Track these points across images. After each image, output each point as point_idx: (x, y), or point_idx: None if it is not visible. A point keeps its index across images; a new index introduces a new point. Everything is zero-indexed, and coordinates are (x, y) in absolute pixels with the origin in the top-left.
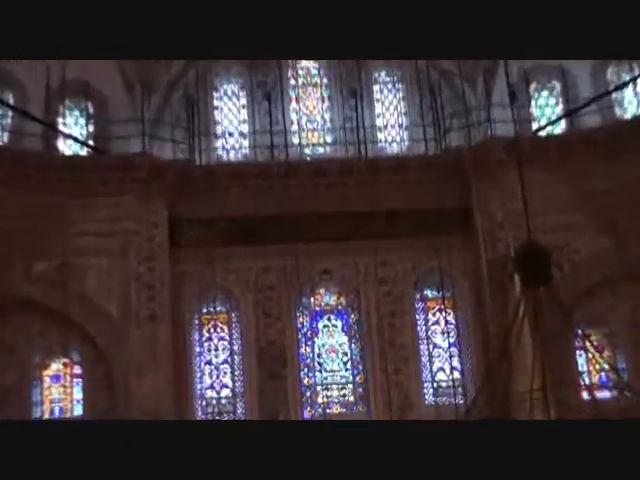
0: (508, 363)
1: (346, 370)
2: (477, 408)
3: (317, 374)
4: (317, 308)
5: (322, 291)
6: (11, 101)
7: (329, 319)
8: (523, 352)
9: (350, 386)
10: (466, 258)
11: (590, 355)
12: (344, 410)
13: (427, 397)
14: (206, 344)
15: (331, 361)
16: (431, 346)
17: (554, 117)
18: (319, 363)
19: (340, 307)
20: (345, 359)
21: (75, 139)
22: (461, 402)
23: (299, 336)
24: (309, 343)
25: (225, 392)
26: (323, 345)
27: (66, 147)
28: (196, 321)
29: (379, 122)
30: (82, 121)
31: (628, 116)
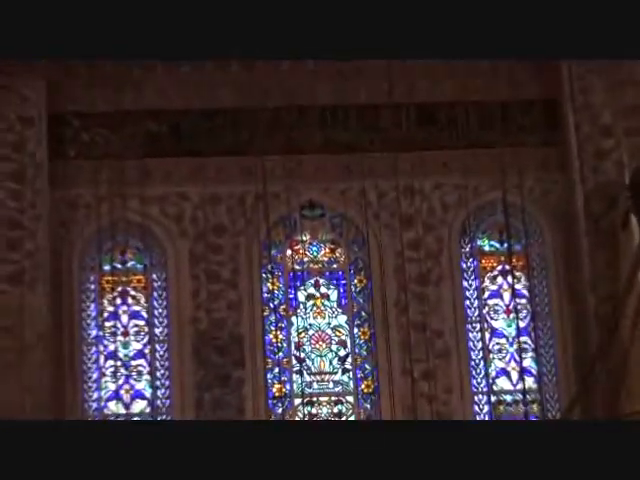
0: (619, 361)
1: (344, 372)
2: None
3: (295, 377)
4: (297, 267)
5: (305, 238)
6: None
7: (316, 286)
8: None
9: (350, 398)
10: (549, 186)
11: None
12: None
13: (480, 418)
14: (108, 324)
15: (319, 356)
16: (487, 334)
17: None
18: (299, 359)
19: (335, 266)
20: (342, 353)
21: None
22: None
23: (266, 313)
24: (283, 325)
25: (139, 406)
26: (306, 329)
27: None
28: (92, 285)
29: None
30: None
31: None
